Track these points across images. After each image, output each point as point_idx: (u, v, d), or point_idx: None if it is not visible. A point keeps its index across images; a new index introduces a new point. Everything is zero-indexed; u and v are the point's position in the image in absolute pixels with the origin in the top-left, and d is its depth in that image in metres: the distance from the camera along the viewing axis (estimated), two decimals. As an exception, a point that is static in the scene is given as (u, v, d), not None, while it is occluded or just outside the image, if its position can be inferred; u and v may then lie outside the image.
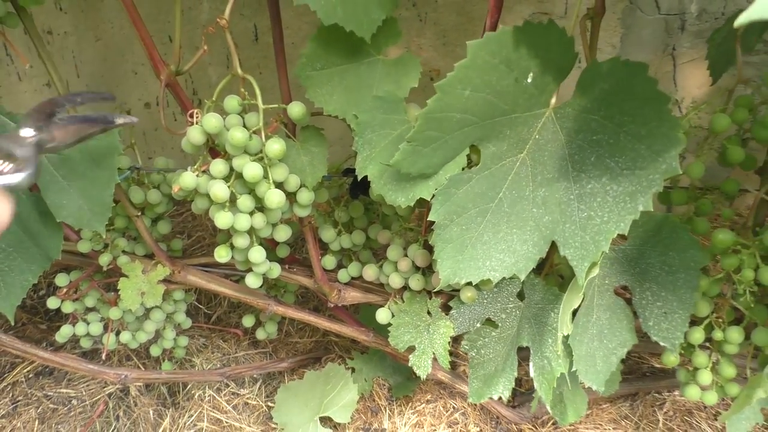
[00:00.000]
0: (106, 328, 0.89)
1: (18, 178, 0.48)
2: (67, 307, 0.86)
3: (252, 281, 0.72)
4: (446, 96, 0.50)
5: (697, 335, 0.63)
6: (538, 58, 0.51)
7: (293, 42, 1.23)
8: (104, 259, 0.81)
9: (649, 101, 0.49)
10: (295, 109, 0.61)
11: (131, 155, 0.82)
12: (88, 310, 0.89)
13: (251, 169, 0.60)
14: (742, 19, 0.30)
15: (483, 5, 1.18)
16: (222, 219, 0.63)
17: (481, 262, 0.55)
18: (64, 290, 0.85)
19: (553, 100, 0.54)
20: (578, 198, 0.53)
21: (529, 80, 0.52)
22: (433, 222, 0.55)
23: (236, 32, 1.27)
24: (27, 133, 0.52)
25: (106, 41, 1.31)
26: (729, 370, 0.64)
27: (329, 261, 0.79)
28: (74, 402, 1.05)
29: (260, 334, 0.95)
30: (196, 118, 0.64)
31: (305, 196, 0.66)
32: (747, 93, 0.62)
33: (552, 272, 0.73)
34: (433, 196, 0.55)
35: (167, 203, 0.83)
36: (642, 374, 0.98)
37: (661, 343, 0.61)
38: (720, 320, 0.63)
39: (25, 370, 1.10)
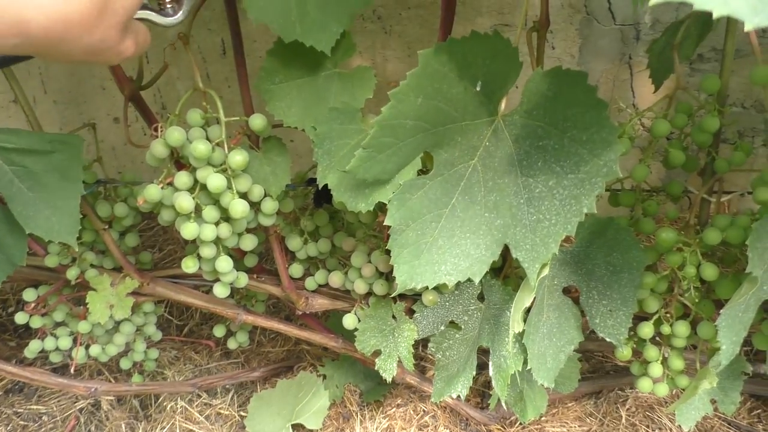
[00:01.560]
0: (75, 342, 0.89)
1: (167, 20, 0.49)
2: (36, 322, 0.86)
3: (220, 291, 0.73)
4: (400, 104, 0.52)
5: (647, 330, 0.66)
6: (485, 67, 0.54)
7: (260, 56, 1.25)
8: (72, 273, 0.81)
9: (589, 108, 0.52)
10: (257, 122, 0.63)
11: (98, 170, 0.83)
12: (57, 324, 0.89)
13: (215, 181, 0.61)
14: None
15: (446, 18, 1.21)
16: (188, 230, 0.64)
17: (437, 266, 0.57)
18: (32, 305, 0.85)
19: (502, 108, 0.56)
20: (527, 202, 0.55)
21: (478, 88, 0.55)
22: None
23: (204, 47, 1.29)
24: None
25: (73, 57, 1.32)
26: (677, 363, 0.67)
27: (296, 269, 0.81)
28: (45, 418, 1.04)
29: (231, 344, 0.96)
30: (161, 131, 0.65)
31: (269, 206, 0.68)
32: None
33: (512, 274, 0.76)
34: (389, 201, 0.57)
35: (135, 216, 0.84)
36: (605, 372, 1.01)
37: (607, 339, 0.64)
38: (669, 315, 0.66)
39: (-5, 388, 1.10)
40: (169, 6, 0.50)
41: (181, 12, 0.51)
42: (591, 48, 1.24)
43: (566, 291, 0.66)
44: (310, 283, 0.81)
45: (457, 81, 0.53)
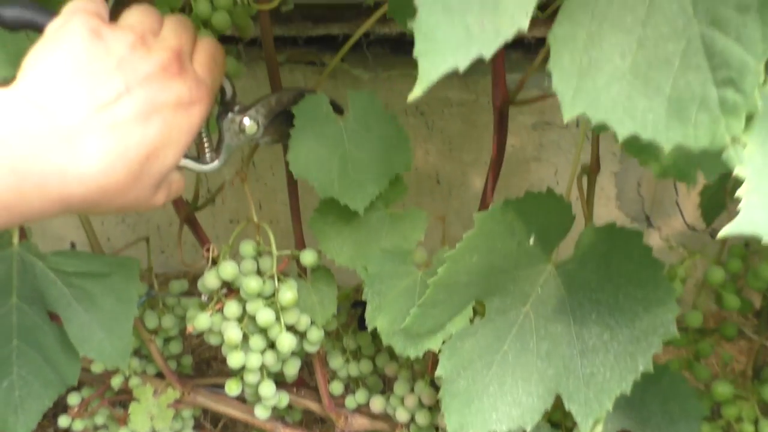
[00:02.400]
0: (113, 445, 0.90)
1: (204, 168, 0.51)
2: (78, 425, 0.87)
3: (261, 413, 0.73)
4: (455, 264, 0.52)
5: (703, 481, 0.63)
6: (539, 223, 0.54)
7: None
8: (116, 381, 0.82)
9: (644, 266, 0.52)
10: (308, 258, 0.64)
11: (146, 277, 0.85)
12: (97, 427, 0.90)
13: (264, 315, 0.62)
14: (725, 232, 0.31)
15: (487, 114, 1.24)
16: (234, 359, 0.65)
17: (488, 414, 0.56)
18: (75, 409, 0.86)
19: (554, 257, 0.56)
20: (581, 353, 0.55)
21: (531, 242, 0.55)
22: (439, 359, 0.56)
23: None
24: (251, 128, 0.53)
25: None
26: None
27: (337, 387, 0.80)
28: None
29: (267, 451, 0.95)
30: (212, 252, 0.67)
31: (315, 335, 0.68)
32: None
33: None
34: (440, 350, 0.57)
35: (180, 324, 0.85)
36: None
37: (665, 492, 0.61)
38: (725, 465, 0.64)
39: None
40: (207, 154, 0.51)
41: (219, 159, 0.52)
42: (633, 146, 1.24)
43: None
44: (350, 401, 0.80)
45: (510, 237, 0.53)
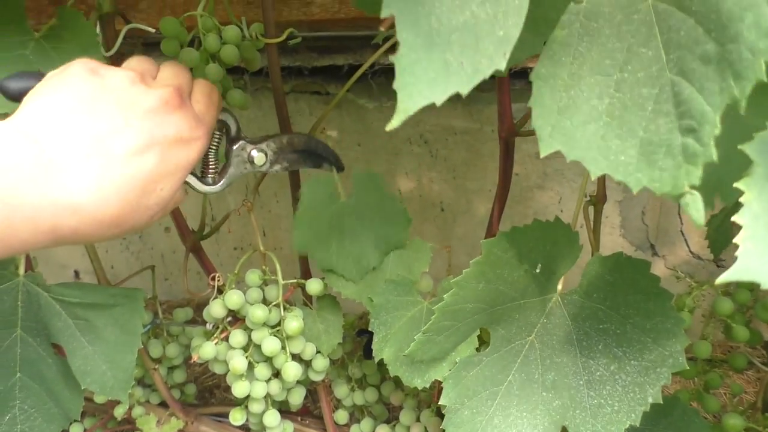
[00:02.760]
0: (115, 476, 0.88)
1: (206, 188, 0.52)
2: (79, 456, 0.86)
3: (265, 444, 0.72)
4: (462, 290, 0.52)
5: None
6: (545, 251, 0.54)
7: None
8: (119, 411, 0.82)
9: (652, 296, 0.52)
10: (314, 286, 0.64)
11: (151, 306, 0.85)
12: (99, 458, 0.89)
13: (270, 344, 0.62)
14: (722, 279, 0.31)
15: (491, 143, 1.24)
16: (239, 388, 0.64)
17: (493, 446, 0.56)
18: (77, 440, 0.85)
19: (560, 287, 0.56)
20: (587, 384, 0.54)
21: (538, 270, 0.55)
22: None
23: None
24: (259, 159, 0.55)
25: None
26: None
27: (341, 416, 0.80)
28: None
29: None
30: (218, 280, 0.67)
31: (320, 363, 0.68)
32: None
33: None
34: (444, 379, 0.56)
35: (184, 352, 0.84)
36: None
37: None
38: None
39: None
40: (210, 176, 0.52)
41: (220, 183, 0.53)
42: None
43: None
44: (356, 431, 0.79)
45: (517, 265, 0.53)
